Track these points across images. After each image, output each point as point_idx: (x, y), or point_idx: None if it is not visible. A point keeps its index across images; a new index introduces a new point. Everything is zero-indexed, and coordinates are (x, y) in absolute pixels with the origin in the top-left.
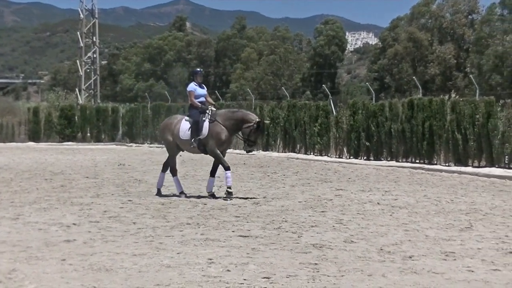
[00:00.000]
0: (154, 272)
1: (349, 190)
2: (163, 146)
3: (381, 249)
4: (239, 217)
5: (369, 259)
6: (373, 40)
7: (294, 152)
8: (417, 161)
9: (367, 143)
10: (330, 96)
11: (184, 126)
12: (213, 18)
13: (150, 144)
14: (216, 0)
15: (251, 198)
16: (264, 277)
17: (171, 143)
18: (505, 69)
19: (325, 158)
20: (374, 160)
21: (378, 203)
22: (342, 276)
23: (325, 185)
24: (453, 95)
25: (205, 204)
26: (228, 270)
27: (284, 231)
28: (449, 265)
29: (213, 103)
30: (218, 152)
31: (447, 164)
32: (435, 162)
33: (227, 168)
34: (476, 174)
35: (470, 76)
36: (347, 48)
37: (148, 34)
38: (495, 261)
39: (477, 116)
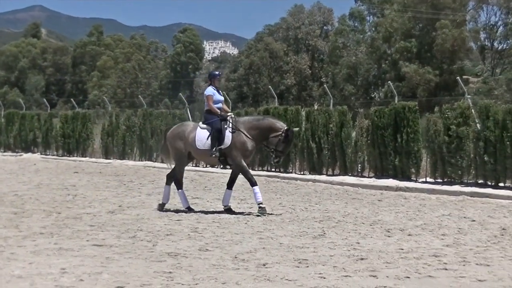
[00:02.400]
0: (5, 283)
1: (205, 199)
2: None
3: (236, 257)
4: (93, 226)
5: (223, 267)
6: (231, 49)
7: (151, 160)
8: (273, 169)
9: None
10: (187, 105)
11: (201, 134)
12: (69, 25)
13: (4, 152)
14: (72, 7)
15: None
16: (118, 286)
17: (182, 152)
18: (358, 79)
19: None
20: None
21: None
22: (196, 284)
23: None
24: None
25: (59, 213)
26: (81, 280)
27: (139, 240)
28: (302, 272)
29: (229, 110)
30: (245, 164)
31: (302, 173)
32: (291, 170)
33: (254, 184)
34: (330, 182)
35: (325, 86)
36: (204, 57)
37: (2, 40)
38: (346, 268)
39: (331, 126)
